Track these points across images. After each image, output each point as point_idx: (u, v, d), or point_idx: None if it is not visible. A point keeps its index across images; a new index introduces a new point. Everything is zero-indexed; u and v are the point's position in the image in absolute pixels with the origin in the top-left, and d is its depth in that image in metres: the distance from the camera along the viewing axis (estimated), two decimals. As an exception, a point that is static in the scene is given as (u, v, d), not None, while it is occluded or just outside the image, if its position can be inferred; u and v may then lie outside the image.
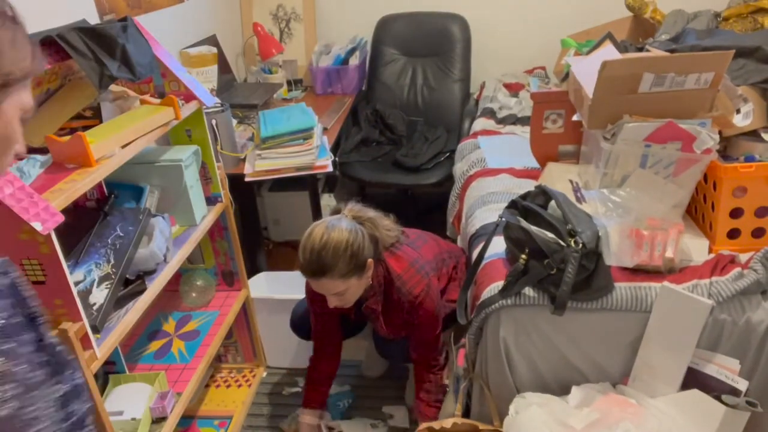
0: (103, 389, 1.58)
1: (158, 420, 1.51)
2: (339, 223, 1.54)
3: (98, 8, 1.97)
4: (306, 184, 2.48)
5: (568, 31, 2.72)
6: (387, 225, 1.68)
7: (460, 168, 2.38)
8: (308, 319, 1.87)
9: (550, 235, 1.41)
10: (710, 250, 1.52)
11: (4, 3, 0.66)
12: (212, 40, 2.75)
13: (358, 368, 2.19)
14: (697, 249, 1.51)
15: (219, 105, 2.09)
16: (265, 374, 2.23)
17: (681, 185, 1.56)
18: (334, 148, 2.58)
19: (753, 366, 1.41)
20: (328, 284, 1.52)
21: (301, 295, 2.03)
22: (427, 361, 1.75)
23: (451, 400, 1.77)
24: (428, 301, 1.64)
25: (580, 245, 1.35)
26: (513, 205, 1.56)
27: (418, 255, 1.70)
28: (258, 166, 2.09)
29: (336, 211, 1.65)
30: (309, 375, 1.88)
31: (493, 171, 2.13)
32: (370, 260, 1.57)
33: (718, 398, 1.32)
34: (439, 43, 3.03)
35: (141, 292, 1.40)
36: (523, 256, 1.42)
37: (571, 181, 1.78)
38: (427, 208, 3.16)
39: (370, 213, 1.65)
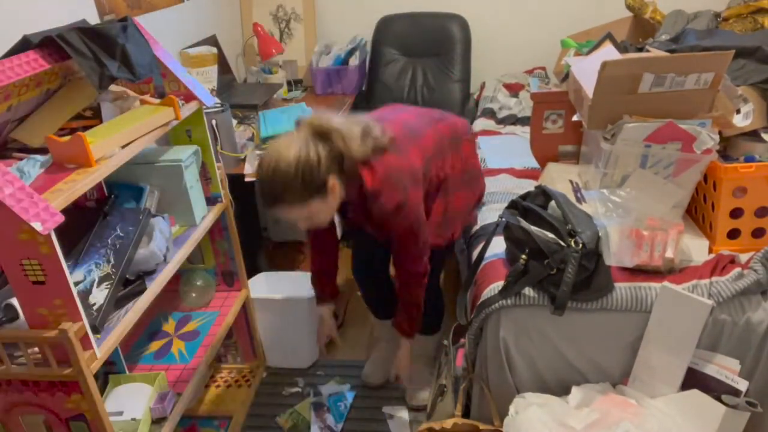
0: (103, 389, 1.58)
1: (158, 420, 1.51)
2: (288, 146, 1.40)
3: (98, 8, 1.97)
4: (306, 184, 2.48)
5: (568, 31, 2.73)
6: (356, 135, 1.46)
7: (460, 168, 2.37)
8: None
9: (550, 235, 1.41)
10: (710, 251, 1.52)
11: None
12: (212, 40, 2.75)
13: (360, 368, 2.19)
14: (697, 249, 1.51)
15: (219, 105, 2.09)
16: (265, 374, 2.22)
17: (681, 185, 1.56)
18: (334, 149, 2.58)
19: (753, 366, 1.41)
20: (286, 212, 1.44)
21: (301, 295, 2.03)
22: (408, 271, 1.65)
23: (451, 400, 1.77)
24: (402, 217, 1.52)
25: (580, 245, 1.35)
26: (513, 206, 1.56)
27: (399, 164, 1.51)
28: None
29: (297, 123, 1.50)
30: (312, 271, 1.86)
31: (493, 171, 2.13)
32: (331, 179, 1.43)
33: (718, 398, 1.32)
34: (439, 43, 3.03)
35: (141, 292, 1.40)
36: (523, 256, 1.42)
37: (571, 182, 1.78)
38: (427, 208, 3.16)
39: (335, 123, 1.45)
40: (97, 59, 1.31)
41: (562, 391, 1.49)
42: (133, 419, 1.47)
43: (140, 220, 1.45)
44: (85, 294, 1.29)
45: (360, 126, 1.48)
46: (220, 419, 2.00)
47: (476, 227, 1.82)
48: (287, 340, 2.14)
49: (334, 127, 1.44)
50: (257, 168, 1.45)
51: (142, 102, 1.55)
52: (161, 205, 1.66)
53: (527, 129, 2.05)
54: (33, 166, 1.20)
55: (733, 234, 1.51)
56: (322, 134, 1.43)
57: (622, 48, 1.87)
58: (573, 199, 1.66)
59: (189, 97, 1.63)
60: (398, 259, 1.66)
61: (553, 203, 1.49)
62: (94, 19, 1.93)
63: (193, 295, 1.97)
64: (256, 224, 2.65)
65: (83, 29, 1.31)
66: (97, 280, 1.32)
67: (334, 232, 1.83)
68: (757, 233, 1.51)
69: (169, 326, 1.92)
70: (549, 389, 1.50)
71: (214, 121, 2.06)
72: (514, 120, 2.63)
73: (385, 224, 1.55)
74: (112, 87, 1.53)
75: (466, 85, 3.04)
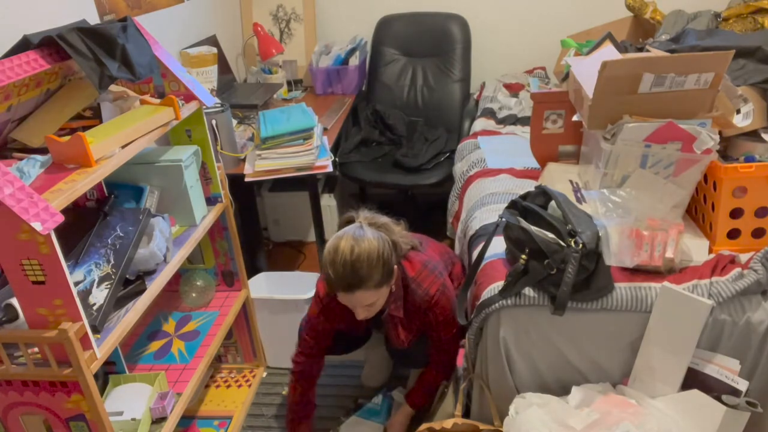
0: (103, 389, 1.58)
1: (158, 420, 1.51)
2: (364, 233, 1.50)
3: (98, 8, 1.97)
4: (306, 184, 2.48)
5: (568, 31, 2.73)
6: (401, 231, 1.67)
7: (460, 168, 2.38)
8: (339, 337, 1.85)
9: (550, 235, 1.40)
10: (710, 251, 1.52)
11: None
12: (212, 40, 2.75)
13: (359, 368, 2.19)
14: (697, 249, 1.51)
15: (219, 105, 2.09)
16: (265, 374, 2.23)
17: (681, 185, 1.56)
18: (334, 149, 2.58)
19: (753, 366, 1.41)
20: (362, 296, 1.49)
21: (301, 295, 2.03)
22: (443, 363, 1.77)
23: (451, 400, 1.77)
24: (444, 300, 1.64)
25: (580, 245, 1.35)
26: (513, 206, 1.56)
27: (428, 257, 1.70)
28: (258, 166, 2.09)
29: (349, 221, 1.61)
30: (293, 402, 1.83)
31: (493, 171, 2.13)
32: (396, 267, 1.56)
33: (718, 398, 1.32)
34: (439, 43, 3.03)
35: (141, 292, 1.40)
36: (523, 256, 1.42)
37: (571, 182, 1.78)
38: (427, 208, 3.16)
39: (383, 219, 1.63)
40: (97, 59, 1.31)
41: (562, 391, 1.49)
42: (133, 419, 1.47)
43: (140, 220, 1.45)
44: (85, 294, 1.29)
45: (398, 224, 1.68)
46: (220, 419, 2.00)
47: (476, 228, 1.82)
48: (287, 340, 2.14)
49: (384, 222, 1.62)
50: (332, 252, 1.48)
51: (142, 102, 1.55)
52: (161, 205, 1.66)
53: (527, 129, 2.05)
54: (33, 166, 1.20)
55: (733, 234, 1.51)
56: (376, 227, 1.57)
57: (622, 48, 1.86)
58: (573, 199, 1.66)
59: (189, 97, 1.64)
60: (439, 346, 1.75)
61: (553, 203, 1.49)
62: (94, 19, 1.93)
63: (193, 294, 1.97)
64: (256, 224, 2.65)
65: (83, 29, 1.31)
66: (97, 280, 1.32)
67: (322, 361, 1.86)
68: (757, 233, 1.50)
69: (169, 326, 1.92)
70: (549, 389, 1.50)
71: (214, 121, 2.06)
72: (514, 120, 2.63)
73: (426, 311, 1.64)
74: (112, 87, 1.53)
75: (466, 85, 3.04)
